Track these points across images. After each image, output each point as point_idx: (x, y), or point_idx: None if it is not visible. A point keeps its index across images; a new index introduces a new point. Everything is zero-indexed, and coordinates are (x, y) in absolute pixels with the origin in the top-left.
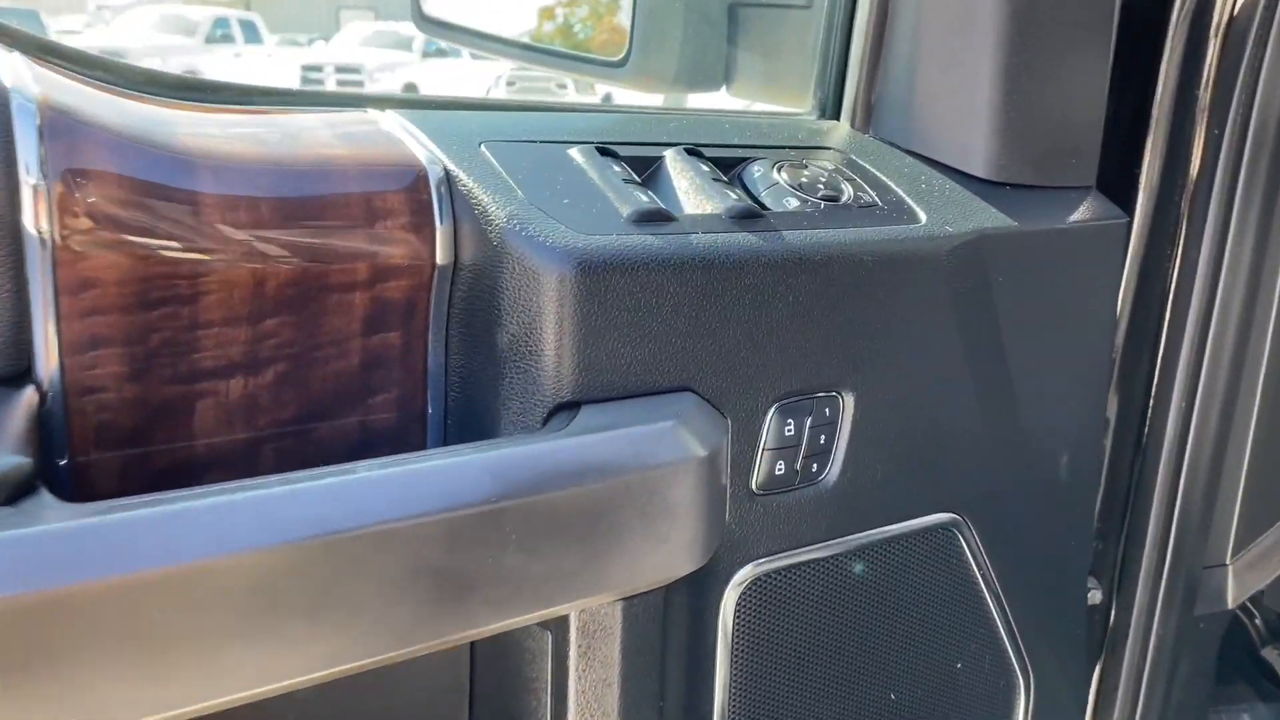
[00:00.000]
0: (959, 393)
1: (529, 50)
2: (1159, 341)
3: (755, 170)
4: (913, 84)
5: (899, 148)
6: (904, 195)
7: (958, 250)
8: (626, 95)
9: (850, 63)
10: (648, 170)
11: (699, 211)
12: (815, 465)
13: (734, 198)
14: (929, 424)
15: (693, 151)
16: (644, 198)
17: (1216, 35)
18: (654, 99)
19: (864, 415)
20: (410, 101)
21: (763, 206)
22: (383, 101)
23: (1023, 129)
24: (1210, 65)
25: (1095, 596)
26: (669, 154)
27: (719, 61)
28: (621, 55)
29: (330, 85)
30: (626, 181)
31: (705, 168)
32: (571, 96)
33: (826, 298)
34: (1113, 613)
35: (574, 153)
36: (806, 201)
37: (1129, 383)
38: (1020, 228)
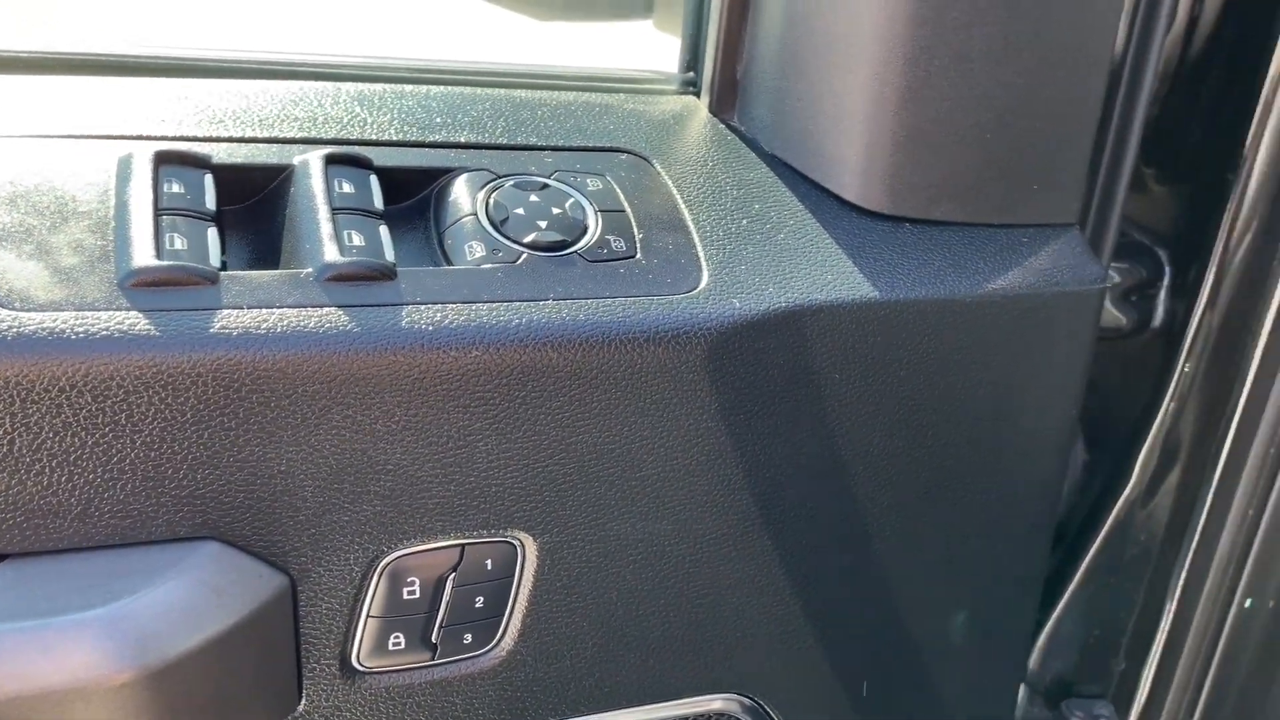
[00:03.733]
0: (747, 529)
1: None
2: (1227, 402)
3: (453, 191)
4: (784, 61)
5: (760, 150)
6: (695, 240)
7: (741, 334)
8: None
9: (709, 22)
10: (268, 188)
11: (288, 268)
12: (469, 635)
13: (356, 245)
14: (685, 575)
15: (345, 159)
16: (178, 244)
17: None
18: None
19: (559, 567)
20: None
21: (444, 252)
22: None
23: (942, 138)
24: None
25: None
26: (299, 162)
27: None
28: None
29: None
30: (171, 213)
31: (349, 187)
32: None
33: (487, 406)
34: None
35: (120, 160)
36: (501, 250)
37: (1178, 451)
38: (881, 298)
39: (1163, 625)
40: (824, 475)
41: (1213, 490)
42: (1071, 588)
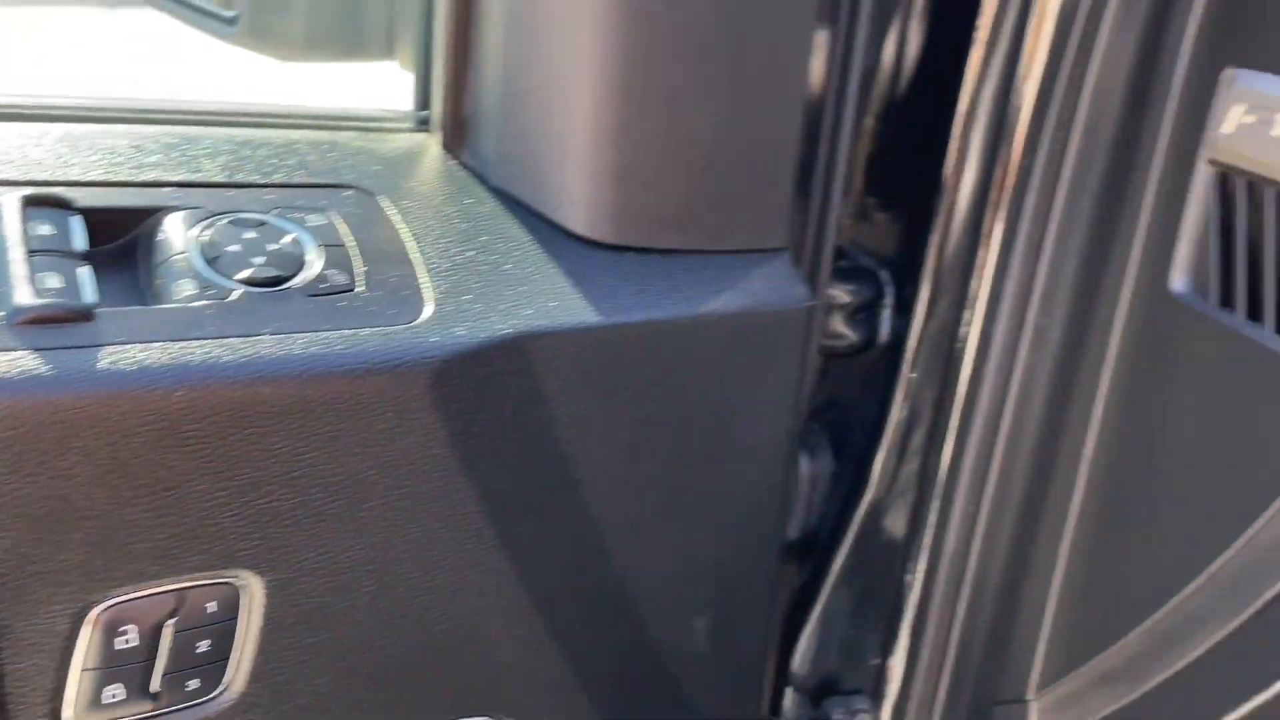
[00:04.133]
0: (485, 553)
1: None
2: (945, 406)
3: (164, 230)
4: (507, 99)
5: (490, 185)
6: (419, 273)
7: (464, 362)
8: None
9: (436, 61)
10: None
11: None
12: (195, 681)
13: (51, 287)
14: (423, 602)
15: (44, 200)
16: None
17: (1040, 16)
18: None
19: (289, 604)
20: None
21: (153, 292)
22: None
23: (655, 172)
24: (1033, 51)
25: None
26: None
27: (381, 21)
28: (234, 7)
29: None
30: None
31: (48, 229)
32: None
33: (199, 446)
34: None
35: None
36: (213, 287)
37: (909, 454)
38: (604, 323)
39: (905, 619)
40: (559, 495)
41: (940, 489)
42: (826, 591)
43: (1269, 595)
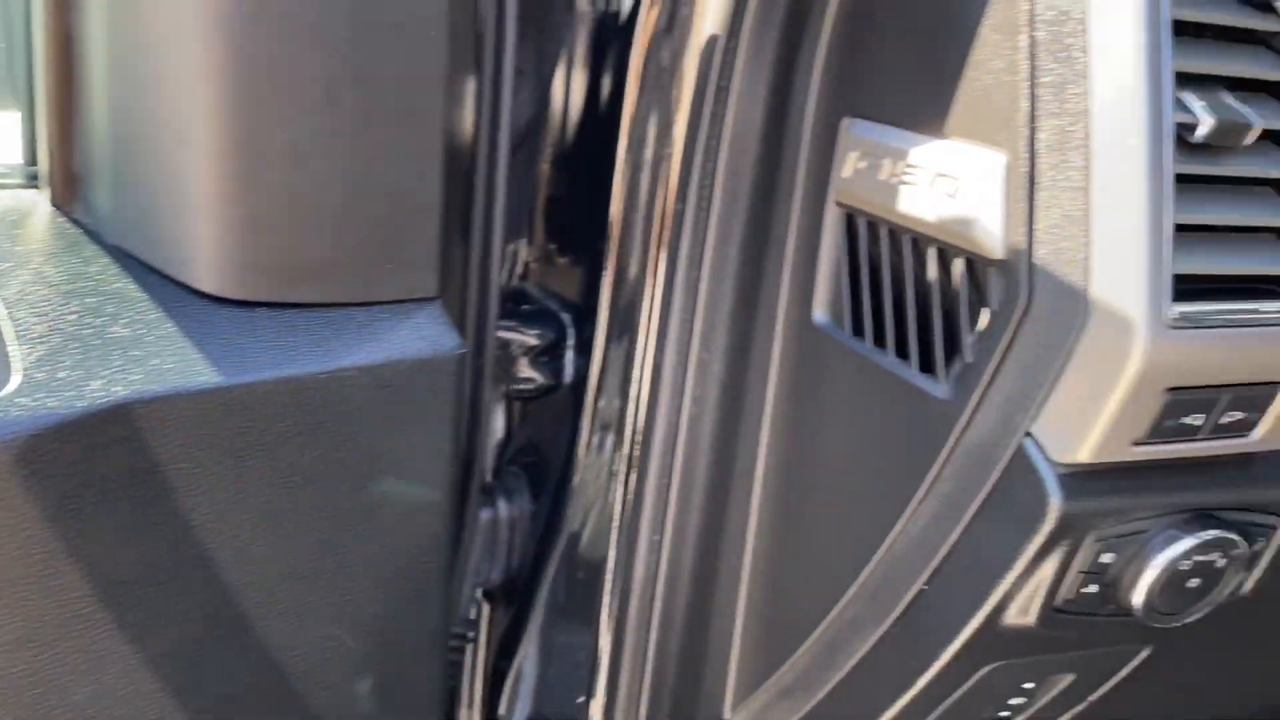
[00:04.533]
0: (102, 637)
1: None
2: (626, 442)
3: None
4: (119, 151)
5: (104, 243)
6: (7, 340)
7: (58, 435)
8: None
9: (40, 110)
10: None
11: None
12: None
13: None
14: (29, 700)
15: None
16: None
17: (681, 71)
18: None
19: None
20: None
21: None
22: None
23: (285, 225)
24: (677, 100)
25: None
26: None
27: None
28: None
29: None
30: None
31: None
32: None
33: None
34: None
35: None
36: None
37: (597, 490)
38: (228, 383)
39: (603, 653)
40: (188, 566)
41: (625, 523)
42: (532, 633)
43: (907, 599)
